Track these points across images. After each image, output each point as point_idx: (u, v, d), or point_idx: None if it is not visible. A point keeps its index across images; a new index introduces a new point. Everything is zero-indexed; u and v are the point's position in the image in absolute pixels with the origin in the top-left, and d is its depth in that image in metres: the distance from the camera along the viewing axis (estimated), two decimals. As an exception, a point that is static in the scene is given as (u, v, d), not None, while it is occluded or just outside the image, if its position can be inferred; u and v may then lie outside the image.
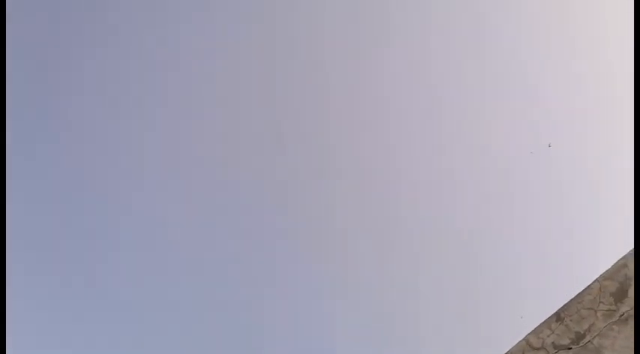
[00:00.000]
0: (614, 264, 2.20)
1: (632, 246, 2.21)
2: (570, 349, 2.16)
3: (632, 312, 2.08)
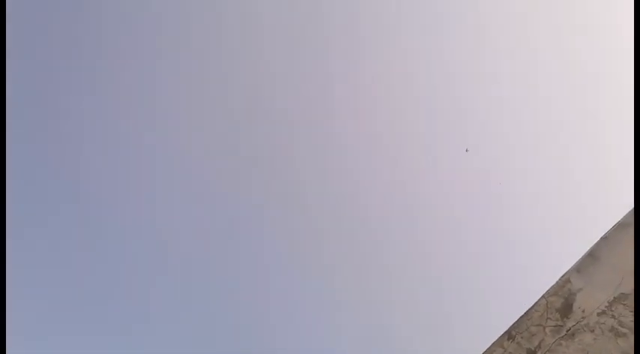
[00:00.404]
0: (559, 279, 2.26)
1: (574, 261, 2.29)
2: (522, 366, 2.20)
3: (577, 326, 2.14)
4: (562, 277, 2.25)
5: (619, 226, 2.21)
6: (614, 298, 2.11)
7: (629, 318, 2.04)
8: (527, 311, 2.28)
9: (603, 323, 2.09)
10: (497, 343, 2.31)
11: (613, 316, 2.08)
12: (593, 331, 2.10)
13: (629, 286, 2.07)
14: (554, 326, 2.19)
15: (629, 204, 2.15)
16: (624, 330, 2.04)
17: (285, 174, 4.71)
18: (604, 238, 2.22)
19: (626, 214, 2.21)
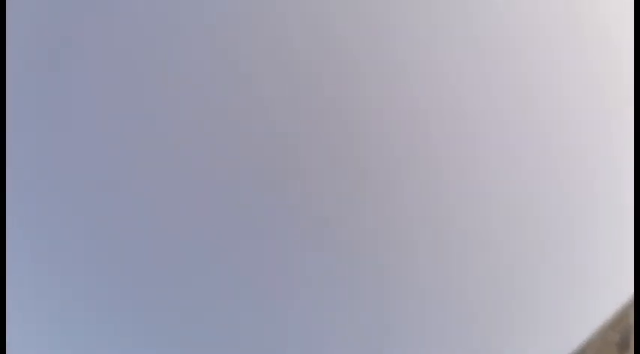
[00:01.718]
0: (616, 314, 2.16)
1: (630, 294, 2.19)
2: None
3: (640, 365, 2.15)
4: (620, 311, 2.15)
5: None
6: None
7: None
8: (582, 347, 2.16)
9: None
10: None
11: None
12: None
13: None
14: (605, 358, 2.14)
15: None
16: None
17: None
18: None
19: None
